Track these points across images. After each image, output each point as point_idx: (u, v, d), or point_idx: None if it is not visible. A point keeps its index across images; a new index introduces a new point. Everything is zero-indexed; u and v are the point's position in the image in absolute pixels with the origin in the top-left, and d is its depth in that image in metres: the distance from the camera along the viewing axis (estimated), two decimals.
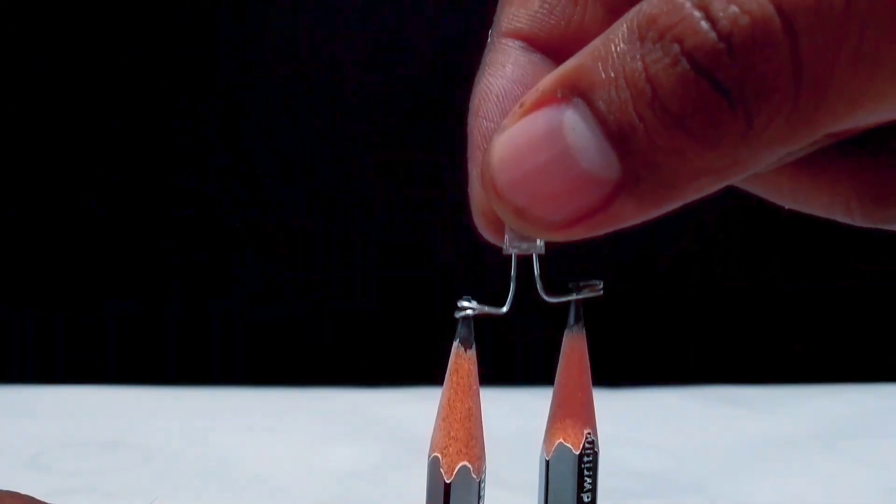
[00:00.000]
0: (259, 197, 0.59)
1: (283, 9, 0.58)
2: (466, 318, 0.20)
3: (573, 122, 0.16)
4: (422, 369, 0.57)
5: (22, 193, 0.58)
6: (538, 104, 0.16)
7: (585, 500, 0.22)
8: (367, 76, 0.58)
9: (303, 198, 0.59)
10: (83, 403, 0.51)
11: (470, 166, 0.20)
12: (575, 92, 0.16)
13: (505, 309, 0.20)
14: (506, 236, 0.19)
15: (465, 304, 0.20)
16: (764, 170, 0.16)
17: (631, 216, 0.16)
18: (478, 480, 0.20)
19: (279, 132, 0.59)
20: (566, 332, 0.22)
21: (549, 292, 0.21)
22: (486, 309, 0.20)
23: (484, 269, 0.53)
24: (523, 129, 0.16)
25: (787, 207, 0.21)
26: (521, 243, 0.19)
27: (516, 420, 0.48)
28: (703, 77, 0.14)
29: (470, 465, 0.20)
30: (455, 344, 0.21)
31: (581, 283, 0.21)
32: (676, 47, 0.14)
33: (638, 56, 0.15)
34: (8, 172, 0.57)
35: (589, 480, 0.22)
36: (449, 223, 0.58)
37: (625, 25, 0.15)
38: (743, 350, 0.62)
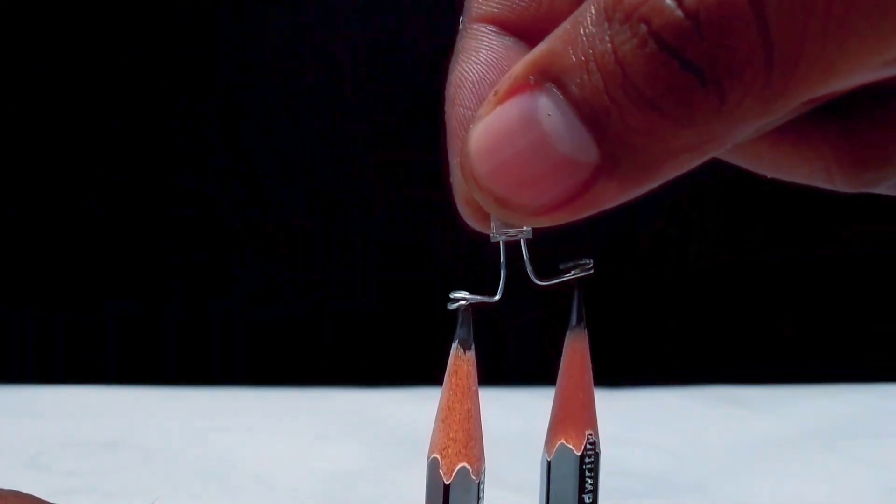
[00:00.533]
0: (259, 197, 0.59)
1: (283, 9, 0.58)
2: (460, 308, 0.20)
3: (547, 108, 0.16)
4: (422, 369, 0.57)
5: (22, 193, 0.58)
6: (511, 91, 0.16)
7: (587, 500, 0.22)
8: (367, 76, 0.58)
9: (303, 198, 0.59)
10: (83, 403, 0.51)
11: (450, 156, 0.20)
12: (547, 77, 0.16)
13: (497, 297, 0.20)
14: (492, 224, 0.19)
15: (458, 294, 0.20)
16: (742, 140, 0.16)
17: (613, 197, 0.16)
18: (477, 481, 0.20)
19: (279, 132, 0.59)
20: (568, 333, 0.22)
21: (541, 276, 0.21)
22: (479, 298, 0.20)
23: (484, 269, 0.53)
24: (498, 117, 0.16)
25: (768, 176, 0.21)
26: (508, 230, 0.19)
27: (516, 420, 0.48)
28: (672, 57, 0.14)
29: (469, 467, 0.20)
30: (454, 345, 0.21)
31: (571, 264, 0.21)
32: (644, 27, 0.14)
33: (606, 38, 0.15)
34: (8, 172, 0.57)
35: (590, 481, 0.22)
36: (449, 223, 0.58)
37: (592, 7, 0.15)
38: (743, 350, 0.62)
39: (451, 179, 0.19)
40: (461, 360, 0.21)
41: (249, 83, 0.58)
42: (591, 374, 0.22)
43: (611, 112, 0.15)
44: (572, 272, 0.21)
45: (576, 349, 0.22)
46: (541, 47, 0.16)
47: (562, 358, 0.22)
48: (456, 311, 0.20)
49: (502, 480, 0.37)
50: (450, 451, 0.20)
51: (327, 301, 0.60)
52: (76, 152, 0.57)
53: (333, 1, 0.58)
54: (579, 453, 0.22)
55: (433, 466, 0.20)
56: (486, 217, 0.19)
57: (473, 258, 0.58)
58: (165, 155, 0.58)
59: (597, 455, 0.22)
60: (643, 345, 0.61)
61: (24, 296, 0.58)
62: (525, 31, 0.20)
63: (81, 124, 0.57)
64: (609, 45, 0.15)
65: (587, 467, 0.22)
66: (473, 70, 0.20)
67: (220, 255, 0.59)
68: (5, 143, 0.57)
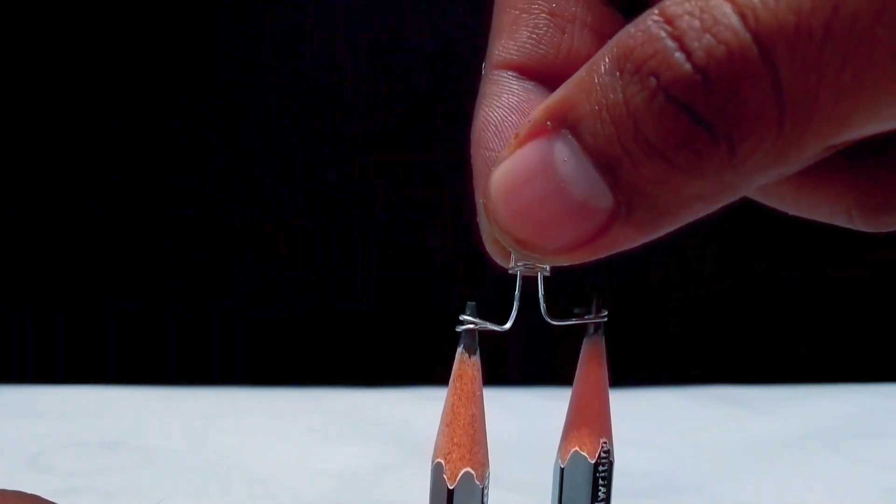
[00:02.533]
0: (259, 197, 0.59)
1: (283, 9, 0.58)
2: (468, 332, 0.21)
3: (563, 154, 0.16)
4: (422, 369, 0.57)
5: (22, 193, 0.58)
6: (530, 136, 0.16)
7: None
8: (368, 76, 0.58)
9: (303, 198, 0.59)
10: (83, 403, 0.51)
11: (476, 196, 0.20)
12: (563, 123, 0.16)
13: (507, 325, 0.20)
14: (512, 255, 0.19)
15: (467, 318, 0.20)
16: (758, 185, 0.16)
17: (629, 240, 0.16)
18: (481, 487, 0.20)
19: (279, 132, 0.59)
20: (585, 339, 0.22)
21: (553, 315, 0.21)
22: (488, 325, 0.20)
23: (484, 269, 0.53)
24: (518, 161, 0.17)
25: (790, 213, 0.21)
26: (528, 263, 0.19)
27: (521, 422, 0.48)
28: (681, 110, 0.14)
29: (473, 472, 0.20)
30: (459, 350, 0.21)
31: (585, 310, 0.21)
32: (653, 81, 0.14)
33: (619, 88, 0.15)
34: (8, 172, 0.57)
35: (603, 490, 0.22)
36: (449, 223, 0.58)
37: (606, 56, 0.15)
38: (743, 350, 0.62)
39: (478, 219, 0.20)
40: (466, 365, 0.21)
41: (249, 83, 0.58)
42: (607, 382, 0.22)
43: (623, 161, 0.15)
44: (585, 318, 0.21)
45: (592, 355, 0.22)
46: (558, 93, 0.16)
47: (578, 364, 0.22)
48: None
49: (507, 484, 0.37)
50: (454, 455, 0.20)
51: (327, 301, 0.60)
52: (76, 152, 0.57)
53: (333, 1, 0.58)
54: (593, 461, 0.22)
55: (437, 471, 0.20)
56: (510, 255, 0.19)
57: (473, 259, 0.58)
58: (165, 155, 0.58)
59: (610, 463, 0.22)
60: (643, 345, 0.61)
61: (24, 296, 0.58)
62: (545, 76, 0.20)
63: (81, 124, 0.57)
64: (621, 95, 0.15)
65: (601, 475, 0.22)
66: (496, 114, 0.20)
67: (220, 255, 0.59)
68: (5, 143, 0.57)
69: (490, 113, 0.20)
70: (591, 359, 0.22)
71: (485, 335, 0.21)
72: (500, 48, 0.20)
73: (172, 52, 0.57)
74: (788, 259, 0.62)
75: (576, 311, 0.21)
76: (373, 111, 0.58)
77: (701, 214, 0.16)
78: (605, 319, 0.21)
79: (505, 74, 0.20)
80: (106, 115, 0.57)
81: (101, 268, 0.58)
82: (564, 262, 0.17)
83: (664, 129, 0.14)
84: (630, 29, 0.15)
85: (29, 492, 0.28)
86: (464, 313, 0.20)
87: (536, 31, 0.20)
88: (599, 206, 0.16)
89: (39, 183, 0.58)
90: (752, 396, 0.55)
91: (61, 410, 0.50)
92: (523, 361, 0.59)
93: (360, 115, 0.58)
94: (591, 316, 0.21)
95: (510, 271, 0.20)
